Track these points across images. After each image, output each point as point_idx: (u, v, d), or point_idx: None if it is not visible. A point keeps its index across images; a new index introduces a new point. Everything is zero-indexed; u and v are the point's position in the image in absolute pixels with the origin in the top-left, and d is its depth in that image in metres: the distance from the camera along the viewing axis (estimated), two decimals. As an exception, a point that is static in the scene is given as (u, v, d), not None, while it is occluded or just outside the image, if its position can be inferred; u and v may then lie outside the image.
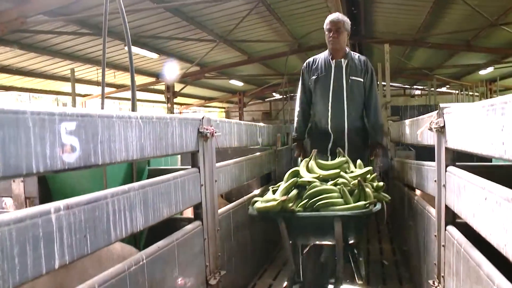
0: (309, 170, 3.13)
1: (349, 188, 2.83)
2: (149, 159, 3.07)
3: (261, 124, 4.57)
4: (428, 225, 2.73)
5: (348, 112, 3.84)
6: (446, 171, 2.24)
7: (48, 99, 16.89)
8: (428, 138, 2.62)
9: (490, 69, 16.37)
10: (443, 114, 2.24)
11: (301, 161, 3.47)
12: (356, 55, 4.02)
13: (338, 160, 3.29)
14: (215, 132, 2.69)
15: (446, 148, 2.22)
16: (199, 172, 2.57)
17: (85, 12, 8.72)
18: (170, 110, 16.05)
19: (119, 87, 16.46)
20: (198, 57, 12.90)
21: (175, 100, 17.87)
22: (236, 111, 26.96)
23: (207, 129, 2.59)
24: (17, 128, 1.23)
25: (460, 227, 2.08)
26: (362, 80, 3.87)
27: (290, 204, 2.74)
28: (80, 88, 15.00)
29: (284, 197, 2.75)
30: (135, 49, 11.58)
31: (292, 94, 15.56)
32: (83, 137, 1.52)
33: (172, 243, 2.18)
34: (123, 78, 15.37)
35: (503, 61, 14.77)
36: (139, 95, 18.22)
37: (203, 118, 2.61)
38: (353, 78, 3.84)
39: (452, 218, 2.22)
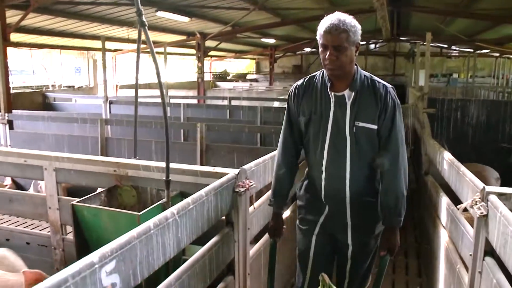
0: None
1: None
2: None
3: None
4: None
5: (351, 174, 2.47)
6: (483, 260, 2.17)
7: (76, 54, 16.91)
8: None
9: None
10: (487, 200, 2.15)
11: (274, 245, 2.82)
12: (370, 80, 2.49)
13: None
14: (250, 186, 2.66)
15: (486, 239, 2.14)
16: (233, 229, 2.56)
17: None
18: (201, 69, 15.99)
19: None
20: (231, 18, 12.77)
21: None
22: (266, 59, 26.65)
23: (242, 186, 2.56)
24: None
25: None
26: (375, 127, 2.43)
27: None
28: (109, 44, 15.03)
29: None
30: (166, 14, 11.44)
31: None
32: (122, 269, 1.52)
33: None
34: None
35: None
36: (169, 49, 18.17)
37: (238, 173, 2.57)
38: (361, 124, 2.42)
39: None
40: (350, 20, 2.33)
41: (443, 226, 3.35)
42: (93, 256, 1.39)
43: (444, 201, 3.32)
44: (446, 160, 3.40)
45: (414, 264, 4.80)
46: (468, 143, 7.64)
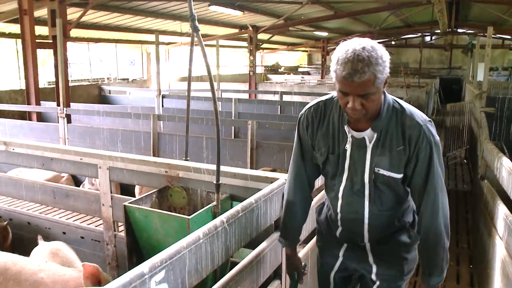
0: None
1: None
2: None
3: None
4: None
5: (370, 219, 2.09)
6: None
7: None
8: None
9: None
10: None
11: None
12: (401, 114, 1.95)
13: None
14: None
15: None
16: (281, 234, 2.54)
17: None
18: (252, 63, 16.03)
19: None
20: (283, 12, 12.75)
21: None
22: (318, 52, 26.37)
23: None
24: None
25: None
26: (399, 176, 1.97)
27: None
28: (162, 38, 15.33)
29: None
30: (218, 8, 11.53)
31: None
32: (171, 279, 1.53)
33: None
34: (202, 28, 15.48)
35: None
36: (221, 42, 18.35)
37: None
38: (382, 172, 1.97)
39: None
40: (375, 54, 1.75)
41: (500, 236, 3.20)
42: (143, 267, 1.41)
43: (502, 210, 3.16)
44: (506, 167, 3.24)
45: (466, 272, 4.62)
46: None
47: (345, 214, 2.14)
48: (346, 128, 1.99)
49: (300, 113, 2.19)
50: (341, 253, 2.28)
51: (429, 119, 1.97)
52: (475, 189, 5.10)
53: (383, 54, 1.79)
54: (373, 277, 2.21)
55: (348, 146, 2.01)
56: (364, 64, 1.72)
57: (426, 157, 1.91)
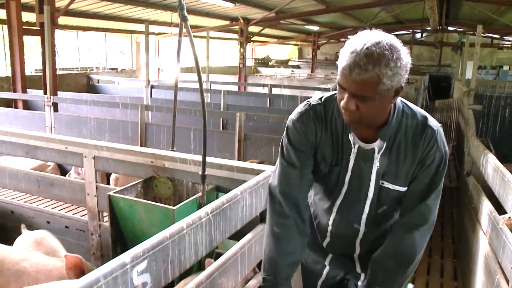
0: None
1: None
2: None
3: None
4: None
5: (364, 236, 1.89)
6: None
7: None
8: None
9: None
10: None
11: None
12: (412, 119, 1.70)
13: None
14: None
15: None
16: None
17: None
18: (243, 55, 15.96)
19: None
20: (275, 5, 12.70)
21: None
22: (309, 46, 26.30)
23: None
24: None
25: None
26: (403, 189, 1.74)
27: None
28: (152, 28, 15.21)
29: None
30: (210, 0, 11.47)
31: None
32: (154, 269, 1.52)
33: None
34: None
35: None
36: (212, 33, 18.25)
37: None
38: (388, 185, 1.74)
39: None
40: (389, 54, 1.47)
41: (483, 232, 3.23)
42: (125, 257, 1.39)
43: (486, 206, 3.19)
44: (491, 164, 3.27)
45: (450, 266, 4.68)
46: (515, 143, 7.30)
47: (337, 228, 1.91)
48: (350, 137, 1.71)
49: (291, 117, 1.80)
50: (327, 262, 2.08)
51: (440, 124, 1.74)
52: (461, 185, 5.15)
53: (402, 58, 1.51)
54: (360, 284, 2.05)
55: (351, 158, 1.74)
56: (369, 60, 1.46)
57: (433, 166, 1.68)
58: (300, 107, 1.81)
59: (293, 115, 1.80)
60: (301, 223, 1.80)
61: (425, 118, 1.69)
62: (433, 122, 1.69)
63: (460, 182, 5.23)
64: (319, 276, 2.14)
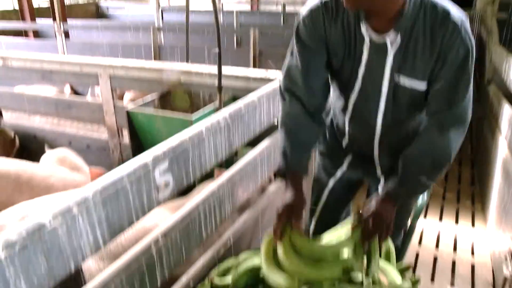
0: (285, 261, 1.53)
1: None
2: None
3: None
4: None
5: (381, 138, 1.84)
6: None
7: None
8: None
9: None
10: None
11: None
12: (432, 8, 1.50)
13: (341, 232, 1.63)
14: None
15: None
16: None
17: None
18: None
19: None
20: None
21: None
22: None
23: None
24: (117, 195, 1.30)
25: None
26: (421, 86, 1.62)
27: None
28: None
29: None
30: None
31: None
32: (175, 169, 1.55)
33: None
34: None
35: None
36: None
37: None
38: (403, 81, 1.62)
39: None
40: None
41: (504, 136, 3.21)
42: (147, 157, 1.42)
43: (507, 110, 3.15)
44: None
45: (467, 172, 4.70)
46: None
47: (354, 128, 1.88)
48: (363, 27, 1.58)
49: (302, 14, 1.71)
50: (345, 164, 2.07)
51: (466, 13, 1.56)
52: (480, 96, 5.06)
53: None
54: (380, 188, 1.98)
55: (365, 51, 1.63)
56: None
57: (457, 60, 1.51)
58: (311, 4, 1.70)
59: (303, 12, 1.71)
60: (308, 117, 1.77)
61: (447, 10, 1.50)
62: (456, 14, 1.50)
63: (480, 93, 5.13)
64: (333, 174, 2.15)
